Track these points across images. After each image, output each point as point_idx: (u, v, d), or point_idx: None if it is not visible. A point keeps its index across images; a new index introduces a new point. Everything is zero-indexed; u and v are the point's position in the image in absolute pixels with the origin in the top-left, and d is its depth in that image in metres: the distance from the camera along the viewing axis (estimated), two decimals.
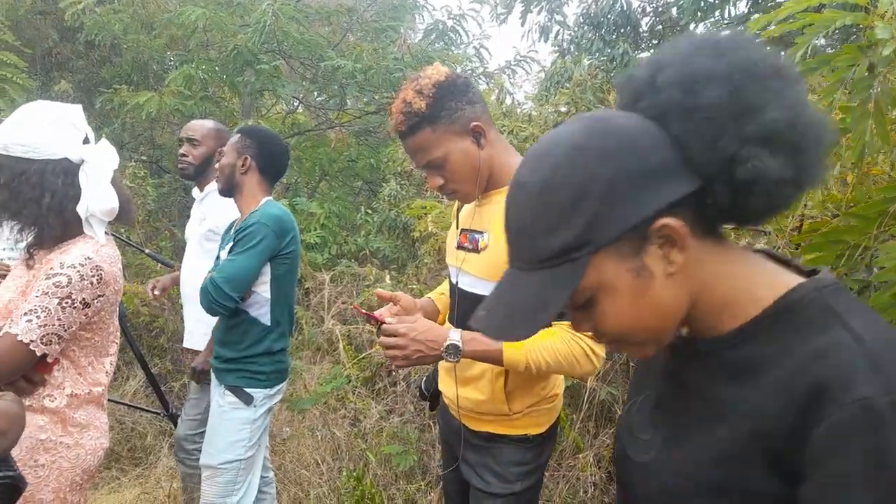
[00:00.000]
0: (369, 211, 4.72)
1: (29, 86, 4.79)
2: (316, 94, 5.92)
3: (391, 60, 4.77)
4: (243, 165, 2.20)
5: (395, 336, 1.37)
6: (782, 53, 0.66)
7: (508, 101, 4.70)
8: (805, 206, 1.77)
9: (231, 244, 2.18)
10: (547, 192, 0.64)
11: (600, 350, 1.33)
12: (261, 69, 4.63)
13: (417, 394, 2.67)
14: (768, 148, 0.60)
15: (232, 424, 2.23)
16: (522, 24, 4.74)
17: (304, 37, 4.78)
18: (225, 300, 2.06)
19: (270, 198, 2.30)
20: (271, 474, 2.63)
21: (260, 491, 2.39)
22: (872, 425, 0.54)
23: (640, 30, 4.97)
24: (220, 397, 2.22)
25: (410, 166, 4.85)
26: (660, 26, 5.01)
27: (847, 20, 1.22)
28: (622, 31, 4.77)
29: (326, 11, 5.33)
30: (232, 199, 2.28)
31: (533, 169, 0.67)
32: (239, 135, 2.25)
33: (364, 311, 1.50)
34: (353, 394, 3.46)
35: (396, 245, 4.70)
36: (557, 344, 1.32)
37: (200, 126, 2.67)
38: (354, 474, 2.87)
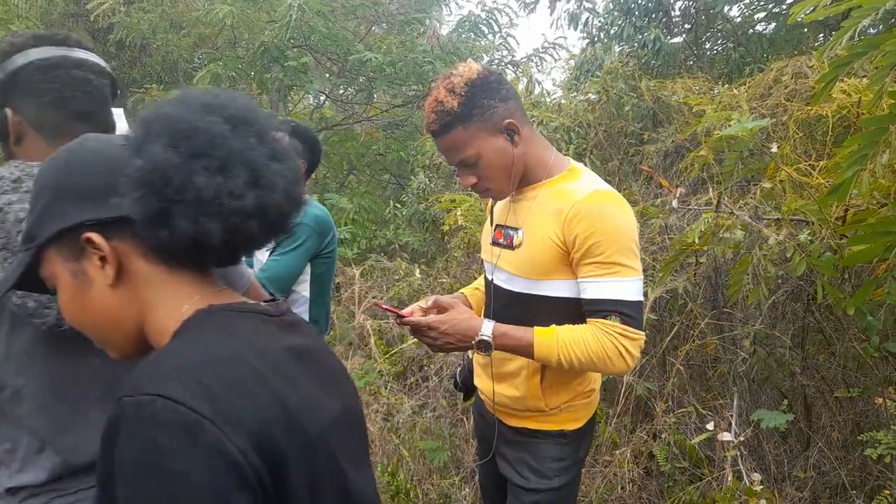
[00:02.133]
0: (398, 205, 4.71)
1: None
2: (343, 88, 5.93)
3: (420, 53, 4.74)
4: None
5: (423, 328, 1.39)
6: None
7: (537, 90, 4.63)
8: (851, 195, 1.70)
9: (272, 244, 2.21)
10: (33, 187, 0.76)
11: (634, 349, 1.31)
12: (288, 66, 4.64)
13: (452, 384, 2.67)
14: (190, 207, 0.66)
15: None
16: (552, 13, 4.66)
17: (330, 31, 4.78)
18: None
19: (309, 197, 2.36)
20: None
21: None
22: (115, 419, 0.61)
23: (673, 15, 4.85)
24: None
25: (439, 159, 4.83)
26: (693, 10, 4.88)
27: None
28: (653, 16, 4.66)
29: (352, 5, 5.32)
30: None
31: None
32: (295, 140, 2.21)
33: (385, 305, 1.50)
34: (386, 388, 3.47)
35: (426, 238, 4.69)
36: (590, 341, 1.30)
37: None
38: (389, 469, 2.88)
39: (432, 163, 4.90)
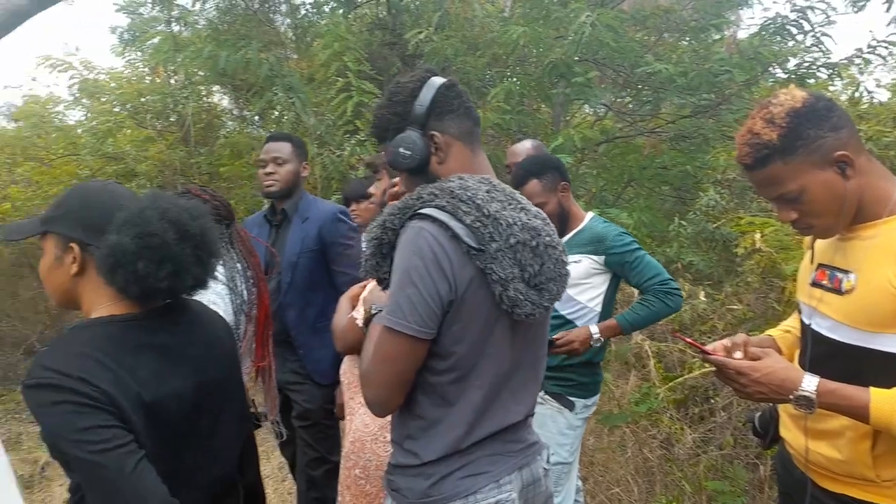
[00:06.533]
0: (682, 222, 4.48)
1: None
2: (627, 99, 5.83)
3: (716, 61, 4.45)
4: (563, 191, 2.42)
5: (730, 371, 1.30)
6: None
7: (864, 97, 4.02)
8: None
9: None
10: (64, 197, 1.28)
11: None
12: (575, 81, 4.71)
13: (747, 426, 2.47)
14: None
15: (556, 428, 2.34)
16: (888, 9, 3.99)
17: (618, 44, 4.73)
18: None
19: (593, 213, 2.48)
20: (580, 483, 2.69)
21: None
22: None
23: None
24: (541, 404, 2.34)
25: (732, 174, 4.48)
26: None
27: None
28: None
29: (642, 15, 5.20)
30: None
31: None
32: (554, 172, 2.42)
33: (688, 339, 1.44)
34: (667, 416, 3.33)
35: (712, 259, 4.38)
36: None
37: (520, 148, 2.87)
38: (666, 502, 2.77)
39: (724, 178, 4.57)
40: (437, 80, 1.34)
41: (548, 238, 1.30)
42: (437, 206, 1.23)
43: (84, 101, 6.92)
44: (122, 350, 1.17)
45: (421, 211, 1.24)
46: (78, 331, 1.20)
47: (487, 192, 1.28)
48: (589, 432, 3.50)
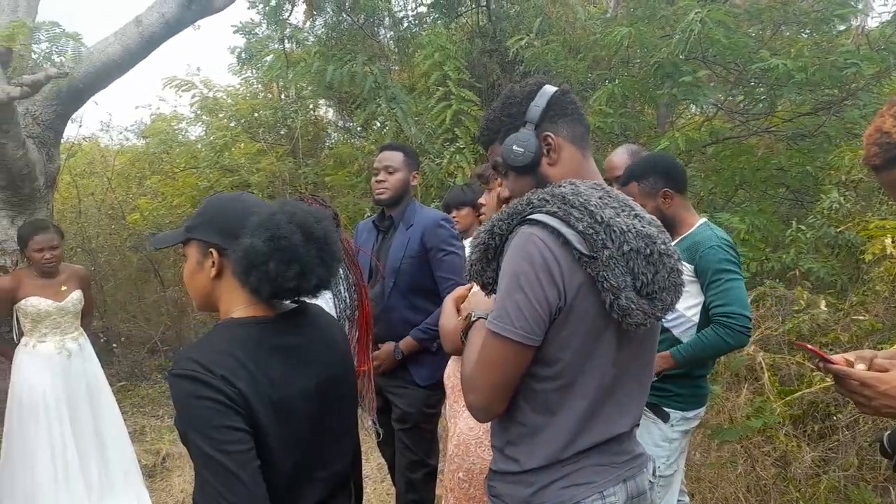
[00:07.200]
0: (801, 227, 4.19)
1: (479, 116, 5.66)
2: (739, 98, 5.53)
3: (840, 54, 4.14)
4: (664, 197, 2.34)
5: (853, 381, 1.23)
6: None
7: None
8: None
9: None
10: (206, 205, 1.40)
11: None
12: (682, 81, 4.53)
13: (878, 449, 2.28)
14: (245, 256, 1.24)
15: (650, 439, 2.26)
16: None
17: (730, 40, 4.50)
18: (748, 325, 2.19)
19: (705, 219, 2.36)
20: (687, 499, 2.57)
21: None
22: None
23: None
24: None
25: (859, 174, 4.14)
26: None
27: None
28: None
29: (756, 9, 4.92)
30: None
31: None
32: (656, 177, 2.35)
33: (810, 346, 1.36)
34: (782, 432, 3.12)
35: (835, 266, 4.07)
36: None
37: (618, 160, 2.80)
38: None
39: (848, 178, 4.23)
40: (552, 87, 1.34)
41: (662, 246, 1.26)
42: (547, 212, 1.23)
43: (204, 117, 7.46)
44: (258, 351, 1.25)
45: (531, 217, 1.24)
46: (222, 329, 1.28)
47: (600, 198, 1.26)
48: (695, 446, 3.34)
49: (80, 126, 7.77)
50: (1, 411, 3.38)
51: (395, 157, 2.82)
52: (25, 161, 3.87)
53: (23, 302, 3.20)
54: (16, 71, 3.94)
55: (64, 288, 3.31)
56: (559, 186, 1.29)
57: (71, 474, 3.22)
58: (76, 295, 3.36)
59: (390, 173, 2.78)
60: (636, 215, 1.29)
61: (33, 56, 4.19)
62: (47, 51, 4.20)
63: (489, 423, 1.60)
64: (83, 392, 3.36)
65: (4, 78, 3.64)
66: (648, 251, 1.23)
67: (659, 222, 1.35)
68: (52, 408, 3.21)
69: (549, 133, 1.33)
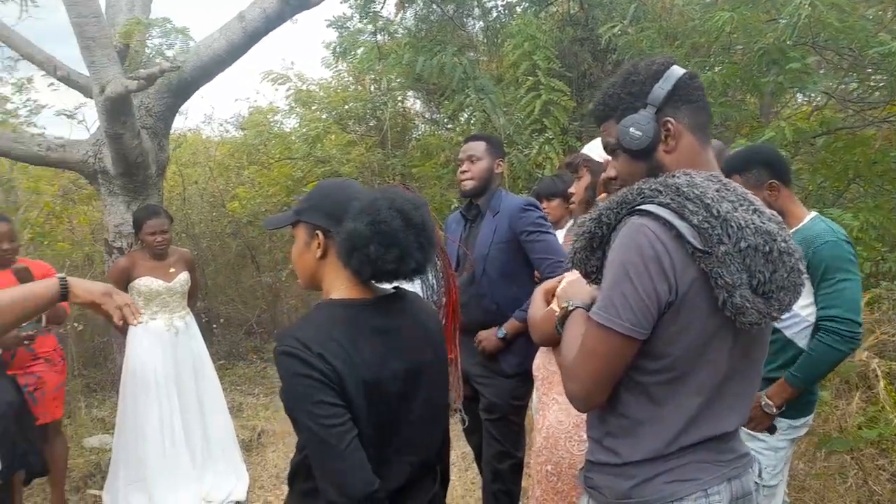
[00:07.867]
0: None
1: (569, 106, 5.56)
2: (853, 85, 5.14)
3: None
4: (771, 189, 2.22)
5: None
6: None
7: None
8: None
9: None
10: (315, 190, 1.49)
11: None
12: (790, 68, 4.26)
13: None
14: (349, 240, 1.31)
15: (753, 447, 2.14)
16: None
17: (844, 24, 4.18)
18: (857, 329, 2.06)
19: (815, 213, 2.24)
20: None
21: None
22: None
23: None
24: None
25: None
26: None
27: None
28: None
29: None
30: None
31: None
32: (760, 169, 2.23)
33: None
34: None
35: None
36: None
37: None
38: None
39: None
40: (680, 69, 1.28)
41: (783, 244, 1.19)
42: (660, 203, 1.18)
43: (297, 109, 7.72)
44: (354, 331, 1.31)
45: (642, 207, 1.20)
46: (323, 308, 1.35)
47: (717, 190, 1.20)
48: (799, 455, 3.16)
49: (186, 118, 8.22)
50: (117, 382, 3.65)
51: (477, 147, 2.82)
52: (140, 150, 4.13)
53: (136, 281, 3.42)
54: (132, 65, 4.21)
55: (173, 270, 3.52)
56: (673, 177, 1.23)
57: (177, 444, 3.44)
58: (184, 276, 3.57)
59: (473, 162, 2.80)
60: (755, 210, 1.22)
61: (146, 51, 4.46)
62: (159, 46, 4.46)
63: (579, 417, 1.57)
64: (189, 368, 3.57)
65: (122, 72, 3.89)
66: (767, 248, 1.17)
67: (780, 218, 1.27)
68: (162, 384, 3.43)
69: (670, 119, 1.27)
